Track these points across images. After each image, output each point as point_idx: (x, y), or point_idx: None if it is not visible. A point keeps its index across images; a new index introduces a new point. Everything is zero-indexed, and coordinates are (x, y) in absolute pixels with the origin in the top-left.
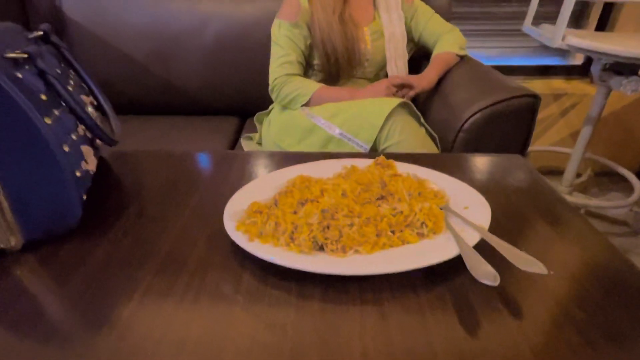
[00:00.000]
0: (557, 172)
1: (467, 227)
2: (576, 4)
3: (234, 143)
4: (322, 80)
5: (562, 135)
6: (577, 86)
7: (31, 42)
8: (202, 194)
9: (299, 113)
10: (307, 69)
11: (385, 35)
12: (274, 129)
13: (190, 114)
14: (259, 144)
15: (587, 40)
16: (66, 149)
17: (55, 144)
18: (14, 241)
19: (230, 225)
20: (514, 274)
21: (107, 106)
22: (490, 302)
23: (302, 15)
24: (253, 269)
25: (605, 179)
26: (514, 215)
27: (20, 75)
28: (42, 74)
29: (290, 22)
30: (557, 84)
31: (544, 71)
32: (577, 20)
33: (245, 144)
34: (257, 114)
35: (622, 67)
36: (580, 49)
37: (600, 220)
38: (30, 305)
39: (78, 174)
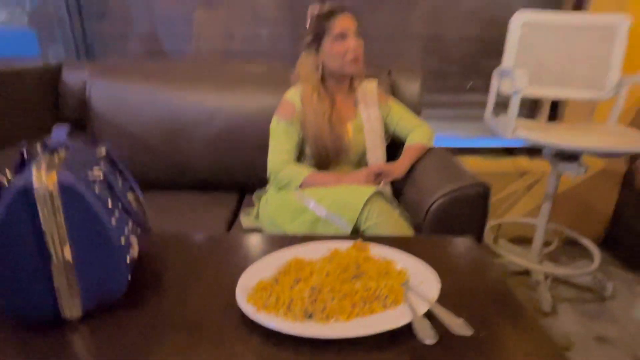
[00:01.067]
0: (528, 242)
1: (420, 300)
2: None
3: (234, 216)
4: (313, 165)
5: (530, 208)
6: (538, 165)
7: (98, 159)
8: (215, 271)
9: (292, 196)
10: (299, 156)
11: (365, 129)
12: (271, 208)
13: (195, 189)
14: (256, 218)
15: (534, 132)
16: (122, 241)
17: (117, 239)
18: (76, 312)
19: (242, 299)
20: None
21: (142, 200)
22: (439, 358)
23: (297, 115)
24: (260, 333)
25: (573, 247)
26: (460, 288)
27: (97, 191)
28: (109, 187)
29: (286, 120)
30: (522, 162)
31: (510, 151)
32: (532, 110)
33: (244, 219)
34: (256, 192)
35: (566, 155)
36: (528, 141)
37: (568, 287)
38: None
39: (128, 260)
